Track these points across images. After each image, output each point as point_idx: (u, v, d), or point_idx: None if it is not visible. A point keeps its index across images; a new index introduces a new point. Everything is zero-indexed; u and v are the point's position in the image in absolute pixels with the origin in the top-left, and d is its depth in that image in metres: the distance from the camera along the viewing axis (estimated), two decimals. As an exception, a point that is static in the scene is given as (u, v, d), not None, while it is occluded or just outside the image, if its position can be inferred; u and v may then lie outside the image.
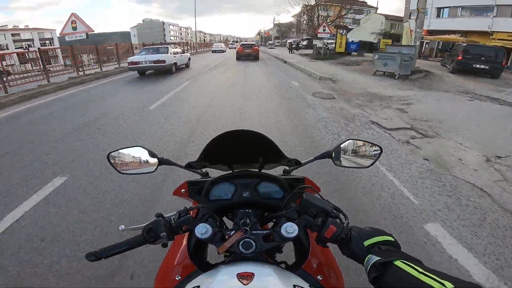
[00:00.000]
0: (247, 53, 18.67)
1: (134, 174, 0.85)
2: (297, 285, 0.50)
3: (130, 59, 10.45)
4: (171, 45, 12.10)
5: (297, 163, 0.86)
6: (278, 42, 67.21)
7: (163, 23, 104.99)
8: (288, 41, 36.02)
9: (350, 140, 0.83)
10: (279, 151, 0.77)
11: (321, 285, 0.62)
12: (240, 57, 18.78)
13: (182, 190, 0.85)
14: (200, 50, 34.91)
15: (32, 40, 55.73)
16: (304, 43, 37.01)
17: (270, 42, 59.43)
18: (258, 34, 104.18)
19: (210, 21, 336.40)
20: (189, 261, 0.67)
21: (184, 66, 13.34)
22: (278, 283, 0.49)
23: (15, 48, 46.45)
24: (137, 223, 0.65)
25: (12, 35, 54.37)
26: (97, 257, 0.55)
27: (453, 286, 0.38)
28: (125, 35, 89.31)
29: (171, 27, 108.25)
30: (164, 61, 10.16)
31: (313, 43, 22.65)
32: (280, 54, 24.47)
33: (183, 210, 0.63)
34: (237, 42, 70.21)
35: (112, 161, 0.81)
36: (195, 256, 0.69)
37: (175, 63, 11.24)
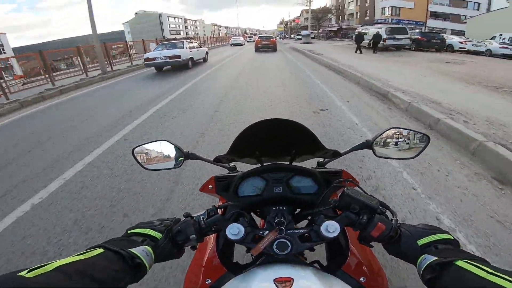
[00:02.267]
0: (265, 44, 19.47)
1: (159, 169, 0.82)
2: None
3: (146, 55, 10.39)
4: (187, 40, 11.85)
5: (334, 155, 0.77)
6: (313, 33, 43.51)
7: (160, 16, 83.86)
8: (365, 30, 17.28)
9: (393, 129, 0.77)
10: (317, 141, 0.69)
11: None
12: (258, 48, 19.53)
13: (209, 186, 0.82)
14: (212, 45, 30.76)
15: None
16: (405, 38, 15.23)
17: (304, 32, 31.86)
18: (281, 23, 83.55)
19: (229, 13, 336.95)
20: (218, 263, 0.64)
21: (201, 60, 13.19)
22: None
23: None
24: None
25: None
26: None
27: None
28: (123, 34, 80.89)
29: (171, 19, 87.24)
30: (179, 56, 9.97)
31: None
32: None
33: (212, 208, 0.58)
34: (255, 34, 64.12)
35: (136, 156, 0.79)
36: (223, 256, 0.67)
37: (192, 58, 11.01)
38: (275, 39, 21.80)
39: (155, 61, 10.04)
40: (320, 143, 0.69)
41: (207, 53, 13.81)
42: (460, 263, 0.40)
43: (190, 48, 11.17)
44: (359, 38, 14.94)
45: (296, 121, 0.67)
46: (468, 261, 0.40)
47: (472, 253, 0.45)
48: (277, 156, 0.81)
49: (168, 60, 9.94)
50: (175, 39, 11.83)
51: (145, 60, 10.21)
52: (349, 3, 48.96)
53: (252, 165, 0.85)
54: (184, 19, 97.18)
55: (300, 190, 0.74)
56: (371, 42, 14.69)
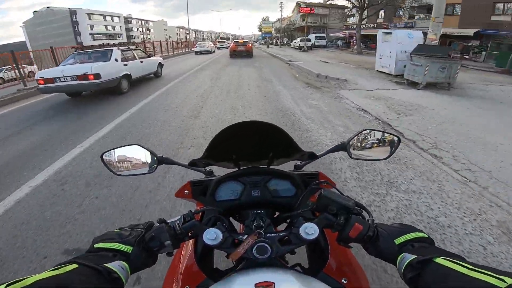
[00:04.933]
0: (241, 50, 18.65)
1: (131, 175, 0.77)
2: None
3: (40, 73, 6.01)
4: (121, 46, 7.36)
5: (311, 157, 0.78)
6: (335, 38, 27.59)
7: (73, 13, 52.85)
8: None
9: (366, 130, 0.78)
10: (294, 143, 0.69)
11: None
12: (234, 54, 18.58)
13: (185, 191, 0.79)
14: (172, 54, 22.50)
15: None
16: None
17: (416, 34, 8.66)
18: (264, 19, 57.52)
19: (205, 18, 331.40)
20: (197, 269, 0.63)
21: (152, 75, 9.15)
22: None
23: None
24: None
25: None
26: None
27: None
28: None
29: (96, 18, 56.27)
30: (98, 75, 5.83)
31: None
32: None
33: (188, 214, 0.57)
34: (228, 39, 52.31)
35: (106, 161, 0.74)
36: (202, 262, 0.65)
37: (127, 76, 6.92)
38: (251, 44, 20.19)
39: (55, 83, 5.82)
40: (296, 145, 0.69)
41: (160, 64, 9.75)
42: (439, 260, 0.40)
43: (125, 59, 7.09)
44: None
45: (272, 123, 0.66)
46: (447, 258, 0.40)
47: (448, 250, 0.44)
48: (254, 160, 0.81)
49: (76, 82, 5.77)
50: (103, 45, 7.19)
51: (39, 81, 5.90)
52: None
53: (229, 169, 0.82)
54: (126, 18, 64.25)
55: (278, 193, 0.73)
56: None
